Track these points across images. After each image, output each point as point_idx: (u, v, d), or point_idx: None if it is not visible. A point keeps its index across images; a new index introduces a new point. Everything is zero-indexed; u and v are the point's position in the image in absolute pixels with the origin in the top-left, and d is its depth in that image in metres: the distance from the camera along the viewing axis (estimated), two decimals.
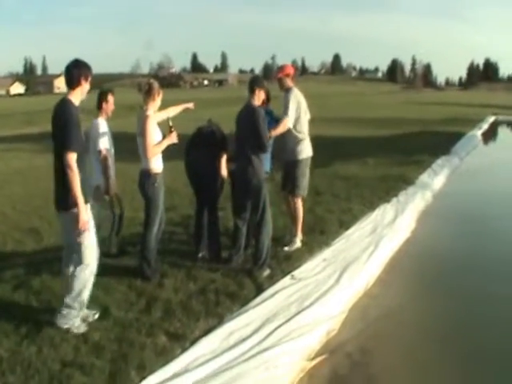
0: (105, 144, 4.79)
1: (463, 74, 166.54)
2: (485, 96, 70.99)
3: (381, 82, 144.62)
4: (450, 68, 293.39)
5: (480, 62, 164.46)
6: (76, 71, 3.45)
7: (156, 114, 4.48)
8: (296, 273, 4.70)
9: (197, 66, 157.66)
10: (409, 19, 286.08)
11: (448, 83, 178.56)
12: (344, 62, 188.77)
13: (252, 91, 4.72)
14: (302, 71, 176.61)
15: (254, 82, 4.79)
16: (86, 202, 3.49)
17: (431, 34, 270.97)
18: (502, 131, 25.89)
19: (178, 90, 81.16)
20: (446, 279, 5.13)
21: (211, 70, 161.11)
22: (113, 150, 4.95)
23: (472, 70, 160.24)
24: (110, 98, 4.89)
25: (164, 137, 4.42)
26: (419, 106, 41.42)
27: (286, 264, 4.89)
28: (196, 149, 5.02)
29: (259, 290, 4.35)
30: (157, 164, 4.42)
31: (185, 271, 4.68)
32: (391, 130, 18.55)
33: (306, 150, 5.31)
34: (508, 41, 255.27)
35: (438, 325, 4.17)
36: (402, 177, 9.14)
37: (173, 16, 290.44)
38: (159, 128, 4.46)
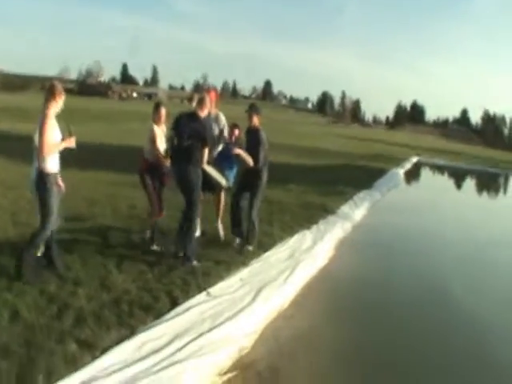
0: None
1: (390, 113, 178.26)
2: (410, 137, 76.35)
3: (310, 113, 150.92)
4: (378, 106, 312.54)
5: (408, 103, 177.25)
6: None
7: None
8: (212, 290, 4.84)
9: (127, 78, 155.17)
10: (339, 55, 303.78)
11: (375, 121, 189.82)
12: (275, 89, 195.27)
13: (250, 116, 6.20)
14: (233, 94, 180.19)
15: (252, 109, 6.23)
16: None
17: (362, 72, 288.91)
18: (424, 172, 28.07)
19: (107, 100, 79.19)
20: (358, 304, 5.54)
21: (141, 83, 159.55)
22: None
23: (399, 110, 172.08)
24: None
25: (63, 140, 4.54)
26: (346, 139, 43.73)
27: (203, 280, 5.03)
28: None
29: (174, 303, 4.44)
30: (51, 164, 4.48)
31: (99, 281, 4.71)
32: (317, 160, 19.52)
33: None
34: (435, 88, 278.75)
35: (347, 347, 4.48)
36: (323, 206, 9.70)
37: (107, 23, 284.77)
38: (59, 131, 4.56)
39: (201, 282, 4.98)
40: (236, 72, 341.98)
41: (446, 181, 26.05)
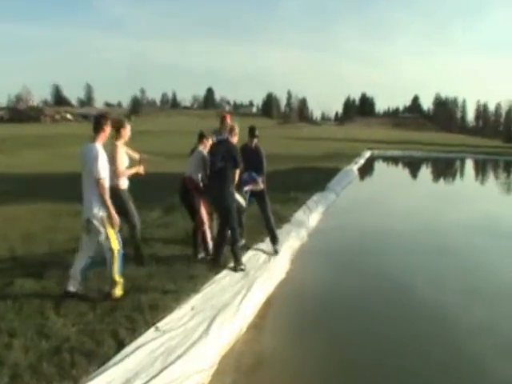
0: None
1: (339, 108, 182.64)
2: (361, 131, 78.31)
3: (256, 117, 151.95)
4: (326, 102, 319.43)
5: (356, 96, 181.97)
6: None
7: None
8: (161, 324, 4.66)
9: (59, 99, 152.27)
10: (282, 51, 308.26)
11: (324, 118, 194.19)
12: (217, 96, 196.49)
13: (252, 138, 7.40)
14: (173, 105, 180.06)
15: (254, 133, 7.42)
16: None
17: (307, 68, 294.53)
18: (378, 165, 28.80)
19: (39, 125, 76.92)
20: (319, 320, 5.48)
21: (75, 103, 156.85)
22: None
23: (348, 104, 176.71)
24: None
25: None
26: (295, 141, 44.34)
27: (151, 314, 4.84)
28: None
29: (120, 345, 4.26)
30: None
31: (36, 328, 4.47)
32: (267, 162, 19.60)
33: None
34: (382, 76, 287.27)
35: (312, 368, 4.41)
36: (276, 215, 9.66)
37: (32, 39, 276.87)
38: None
39: (148, 317, 4.79)
40: (175, 82, 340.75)
41: (400, 172, 26.84)
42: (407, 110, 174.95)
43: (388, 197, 15.44)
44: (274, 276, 6.62)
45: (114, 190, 5.79)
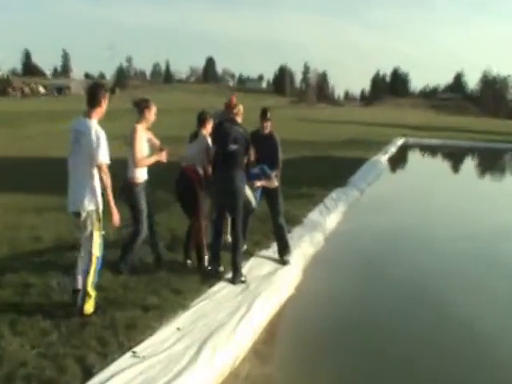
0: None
1: (367, 86, 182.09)
2: (393, 113, 78.05)
3: (266, 94, 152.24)
4: (350, 79, 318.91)
5: (387, 72, 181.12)
6: None
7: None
8: (139, 348, 4.60)
9: (30, 69, 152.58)
10: (298, 18, 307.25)
11: (348, 97, 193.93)
12: (219, 68, 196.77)
13: (265, 120, 7.16)
14: (167, 78, 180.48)
15: (267, 116, 7.18)
16: None
17: (327, 37, 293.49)
18: (413, 156, 28.64)
19: (6, 100, 77.27)
20: (337, 351, 5.36)
21: (49, 74, 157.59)
22: None
23: (377, 81, 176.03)
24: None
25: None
26: (312, 124, 44.29)
27: (127, 336, 4.77)
28: None
29: (87, 374, 4.18)
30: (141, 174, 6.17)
31: None
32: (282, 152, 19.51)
33: None
34: (418, 49, 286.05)
35: None
36: (286, 215, 9.54)
37: None
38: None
39: (123, 338, 4.71)
40: (170, 50, 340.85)
41: (439, 165, 26.67)
42: (448, 89, 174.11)
43: (424, 195, 15.26)
44: (281, 291, 6.54)
45: (128, 184, 6.06)
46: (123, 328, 4.92)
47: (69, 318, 5.09)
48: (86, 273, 5.09)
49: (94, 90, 5.05)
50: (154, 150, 6.29)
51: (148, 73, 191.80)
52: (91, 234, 5.03)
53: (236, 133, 6.35)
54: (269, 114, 7.20)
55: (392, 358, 5.24)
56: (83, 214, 4.98)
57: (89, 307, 5.15)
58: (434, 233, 10.45)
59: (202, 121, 6.79)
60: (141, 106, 6.11)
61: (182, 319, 5.26)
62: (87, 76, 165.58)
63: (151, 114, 6.16)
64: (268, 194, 7.30)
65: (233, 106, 6.70)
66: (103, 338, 4.73)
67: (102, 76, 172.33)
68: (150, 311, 5.29)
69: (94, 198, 4.99)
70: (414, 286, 7.22)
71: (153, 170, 6.38)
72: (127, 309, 5.31)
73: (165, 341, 4.82)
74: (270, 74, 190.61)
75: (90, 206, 4.99)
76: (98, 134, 4.89)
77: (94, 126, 4.94)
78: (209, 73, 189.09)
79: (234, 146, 6.30)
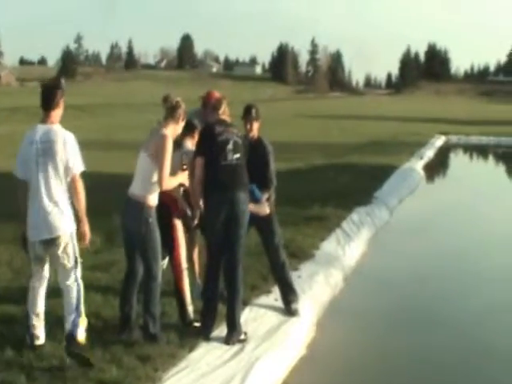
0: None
1: (394, 68, 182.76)
2: (429, 104, 78.41)
3: (261, 82, 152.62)
4: (373, 60, 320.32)
5: (421, 50, 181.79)
6: None
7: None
8: None
9: None
10: None
11: (370, 84, 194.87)
12: (199, 50, 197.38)
13: (250, 123, 7.04)
14: (129, 63, 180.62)
15: (250, 115, 7.01)
16: None
17: (340, 2, 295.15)
18: (456, 160, 28.60)
19: None
20: None
21: None
22: None
23: (408, 62, 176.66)
24: None
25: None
26: (324, 121, 44.49)
27: None
28: None
29: None
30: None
31: None
32: (277, 161, 19.46)
33: None
34: (461, 20, 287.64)
35: None
36: (290, 246, 9.43)
37: None
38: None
39: None
40: (133, 26, 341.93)
41: (493, 171, 26.58)
42: (502, 70, 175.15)
43: (476, 216, 15.11)
44: (288, 352, 6.40)
45: (138, 207, 5.86)
46: None
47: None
48: (79, 298, 5.48)
49: (49, 92, 5.35)
50: None
51: (104, 56, 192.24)
52: (76, 261, 5.34)
53: (235, 139, 6.30)
54: (254, 112, 7.08)
55: None
56: (64, 239, 5.22)
57: (82, 335, 5.50)
58: (494, 270, 10.15)
59: (187, 128, 6.53)
60: (175, 108, 5.94)
61: None
62: (23, 62, 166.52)
63: (182, 122, 6.05)
64: (258, 225, 7.11)
65: (215, 103, 6.63)
66: None
67: (42, 61, 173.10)
68: None
69: (71, 216, 5.32)
70: (477, 346, 7.08)
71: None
72: None
73: None
74: (265, 57, 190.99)
75: (71, 226, 5.32)
76: (69, 140, 5.25)
77: (61, 131, 5.27)
78: (185, 56, 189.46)
79: (235, 157, 6.24)
